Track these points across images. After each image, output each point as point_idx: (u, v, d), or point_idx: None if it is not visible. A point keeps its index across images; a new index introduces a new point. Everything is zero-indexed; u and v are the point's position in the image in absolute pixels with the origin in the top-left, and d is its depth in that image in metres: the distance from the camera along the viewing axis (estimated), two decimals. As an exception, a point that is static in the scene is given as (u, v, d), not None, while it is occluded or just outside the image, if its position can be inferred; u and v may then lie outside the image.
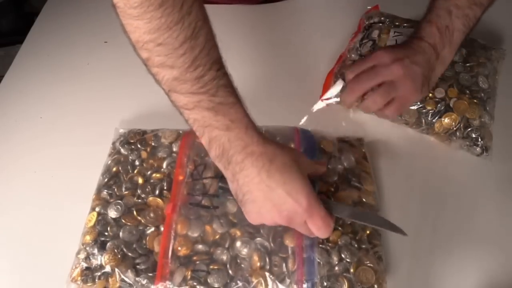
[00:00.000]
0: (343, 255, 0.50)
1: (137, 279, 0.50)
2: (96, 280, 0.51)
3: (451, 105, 0.62)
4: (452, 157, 0.63)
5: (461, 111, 0.61)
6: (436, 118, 0.62)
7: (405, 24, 0.71)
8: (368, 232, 0.53)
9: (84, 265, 0.51)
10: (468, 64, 0.65)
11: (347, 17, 0.79)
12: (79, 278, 0.51)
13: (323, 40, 0.77)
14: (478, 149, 0.61)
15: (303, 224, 0.45)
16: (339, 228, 0.52)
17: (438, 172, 0.62)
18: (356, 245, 0.51)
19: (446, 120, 0.62)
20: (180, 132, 0.62)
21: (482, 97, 0.63)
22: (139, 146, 0.61)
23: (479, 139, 0.61)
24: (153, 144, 0.61)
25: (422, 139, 0.65)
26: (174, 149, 0.60)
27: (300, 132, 0.60)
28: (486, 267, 0.53)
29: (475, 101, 0.62)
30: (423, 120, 0.63)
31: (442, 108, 0.62)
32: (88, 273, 0.51)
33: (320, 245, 0.51)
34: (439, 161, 0.63)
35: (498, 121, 0.63)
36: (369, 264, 0.50)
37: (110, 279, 0.50)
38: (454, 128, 0.61)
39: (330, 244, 0.51)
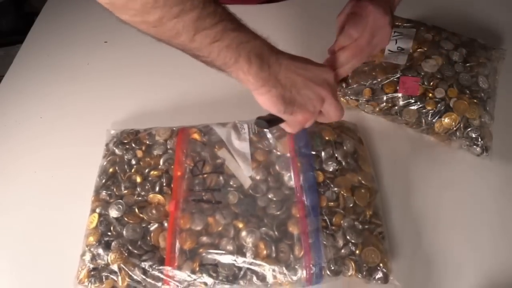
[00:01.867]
0: (348, 237, 0.51)
1: (146, 275, 0.50)
2: (104, 280, 0.51)
3: (451, 105, 0.62)
4: (452, 157, 0.63)
5: (461, 111, 0.61)
6: (436, 118, 0.62)
7: (405, 24, 0.71)
8: (370, 213, 0.54)
9: (91, 266, 0.51)
10: (468, 64, 0.65)
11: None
12: (86, 279, 0.51)
13: (323, 40, 0.77)
14: (478, 149, 0.61)
15: (336, 92, 0.51)
16: (342, 211, 0.53)
17: (438, 172, 0.62)
18: (360, 226, 0.52)
19: (446, 120, 0.62)
20: (174, 129, 0.62)
21: (482, 97, 0.63)
22: (133, 145, 0.61)
23: (479, 139, 0.61)
24: (147, 142, 0.61)
25: (422, 139, 0.65)
26: (169, 146, 0.60)
27: None
28: (486, 267, 0.53)
29: (475, 101, 0.62)
30: (423, 120, 0.63)
31: (442, 108, 0.62)
32: (95, 273, 0.51)
33: (325, 230, 0.51)
34: (439, 161, 0.63)
35: (498, 121, 0.63)
36: (373, 244, 0.51)
37: (117, 278, 0.50)
38: (454, 128, 0.61)
39: (334, 228, 0.52)
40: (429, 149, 0.64)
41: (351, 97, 0.67)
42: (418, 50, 0.67)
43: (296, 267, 0.50)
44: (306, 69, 0.49)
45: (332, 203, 0.54)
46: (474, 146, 0.61)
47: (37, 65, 0.80)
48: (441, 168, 0.62)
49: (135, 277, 0.50)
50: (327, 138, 0.60)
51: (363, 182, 0.56)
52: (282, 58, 0.48)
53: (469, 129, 0.61)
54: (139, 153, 0.60)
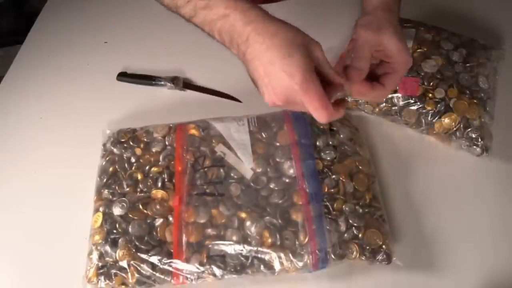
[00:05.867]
0: (351, 221, 0.53)
1: (155, 269, 0.51)
2: (113, 277, 0.51)
3: (451, 105, 0.62)
4: (452, 157, 0.63)
5: (461, 111, 0.61)
6: (436, 118, 0.62)
7: (405, 24, 0.71)
8: (369, 196, 0.55)
9: (99, 264, 0.52)
10: (468, 64, 0.65)
11: (347, 17, 0.79)
12: (95, 278, 0.51)
13: (323, 40, 0.77)
14: (478, 149, 0.61)
15: (302, 105, 0.44)
16: (342, 197, 0.54)
17: (438, 172, 0.62)
18: (360, 210, 0.54)
19: (446, 120, 0.62)
20: (171, 125, 0.62)
21: (482, 97, 0.63)
22: (131, 143, 0.61)
23: (479, 139, 0.61)
24: (145, 140, 0.61)
25: (422, 139, 0.65)
26: (168, 142, 0.61)
27: (290, 114, 0.62)
28: (486, 267, 0.53)
29: (475, 101, 0.62)
30: (423, 120, 0.63)
31: (442, 108, 0.62)
32: (104, 271, 0.51)
33: (327, 215, 0.53)
34: (439, 161, 0.63)
35: (498, 121, 0.63)
36: (375, 227, 0.53)
37: (127, 274, 0.51)
38: (454, 128, 0.61)
39: (336, 213, 0.53)
40: (429, 150, 0.64)
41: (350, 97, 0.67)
42: (418, 50, 0.67)
43: (302, 253, 0.51)
44: (271, 66, 0.43)
45: (332, 190, 0.55)
46: (474, 147, 0.61)
47: (37, 65, 0.80)
48: (441, 169, 0.62)
49: (144, 272, 0.51)
50: (322, 127, 0.61)
51: (360, 167, 0.58)
52: (252, 39, 0.44)
53: (469, 130, 0.61)
54: (138, 151, 0.60)
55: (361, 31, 0.51)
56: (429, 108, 0.62)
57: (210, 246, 0.51)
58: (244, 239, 0.51)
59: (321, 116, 0.43)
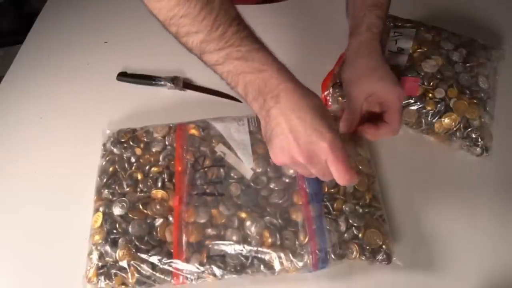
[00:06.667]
0: (351, 221, 0.53)
1: (155, 269, 0.51)
2: (113, 277, 0.51)
3: (451, 105, 0.62)
4: (452, 157, 0.63)
5: (461, 111, 0.61)
6: (436, 118, 0.62)
7: (405, 24, 0.71)
8: (369, 196, 0.55)
9: (99, 264, 0.52)
10: (468, 64, 0.65)
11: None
12: (95, 278, 0.51)
13: (323, 40, 0.77)
14: (478, 149, 0.61)
15: (323, 165, 0.44)
16: (342, 197, 0.55)
17: (438, 172, 0.62)
18: (360, 210, 0.54)
19: (446, 121, 0.62)
20: (171, 125, 0.62)
21: (482, 97, 0.63)
22: (131, 143, 0.61)
23: (479, 139, 0.61)
24: (145, 140, 0.62)
25: (422, 139, 0.65)
26: (168, 142, 0.61)
27: None
28: (486, 267, 0.54)
29: (475, 101, 0.62)
30: (423, 120, 0.63)
31: (442, 108, 0.62)
32: (104, 271, 0.51)
33: (327, 215, 0.53)
34: (439, 161, 0.63)
35: (498, 121, 0.63)
36: (375, 227, 0.53)
37: (127, 274, 0.51)
38: (454, 129, 0.61)
39: (336, 213, 0.53)
40: (429, 150, 0.64)
41: (351, 97, 0.67)
42: (418, 50, 0.67)
43: (302, 253, 0.51)
44: (301, 122, 0.43)
45: (332, 190, 0.55)
46: (474, 146, 0.61)
47: (37, 65, 0.80)
48: (441, 169, 0.62)
49: (144, 272, 0.51)
50: None
51: (360, 167, 0.58)
52: (285, 96, 0.44)
53: (469, 130, 0.61)
54: (138, 151, 0.60)
55: (347, 88, 0.56)
56: (429, 108, 0.62)
57: (210, 246, 0.52)
58: (244, 239, 0.52)
59: (343, 178, 0.44)
